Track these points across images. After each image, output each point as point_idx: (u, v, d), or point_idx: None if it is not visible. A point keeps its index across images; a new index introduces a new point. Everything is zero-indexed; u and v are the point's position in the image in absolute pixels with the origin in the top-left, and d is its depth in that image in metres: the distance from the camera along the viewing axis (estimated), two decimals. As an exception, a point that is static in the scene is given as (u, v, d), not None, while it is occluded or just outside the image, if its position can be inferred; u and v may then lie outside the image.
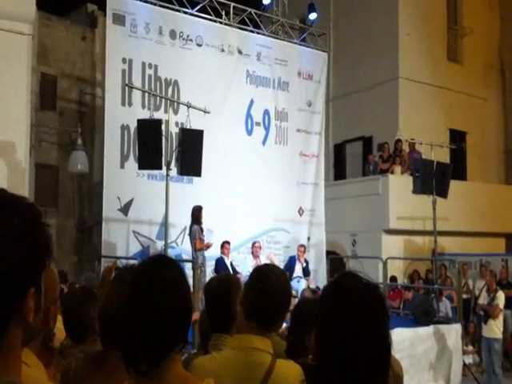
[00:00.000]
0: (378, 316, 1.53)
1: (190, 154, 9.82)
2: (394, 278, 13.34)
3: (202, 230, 10.58)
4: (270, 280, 2.31)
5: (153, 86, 11.72)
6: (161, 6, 12.02)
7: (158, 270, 1.74)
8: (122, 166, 11.29)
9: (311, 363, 2.64)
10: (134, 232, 11.25)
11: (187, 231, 10.84)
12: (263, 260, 11.60)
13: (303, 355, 2.64)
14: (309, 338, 2.80)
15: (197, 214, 10.60)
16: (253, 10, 13.56)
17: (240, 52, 13.19)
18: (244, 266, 11.46)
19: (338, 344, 1.49)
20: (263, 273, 2.40)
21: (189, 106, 10.32)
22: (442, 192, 12.13)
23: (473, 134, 18.55)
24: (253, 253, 11.87)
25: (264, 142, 13.55)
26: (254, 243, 12.05)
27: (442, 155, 14.26)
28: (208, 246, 10.65)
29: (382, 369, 1.53)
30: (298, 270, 12.08)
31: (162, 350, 1.67)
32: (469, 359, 11.73)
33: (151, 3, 11.88)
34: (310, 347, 2.76)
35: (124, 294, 1.76)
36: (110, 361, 2.06)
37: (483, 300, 10.62)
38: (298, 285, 11.57)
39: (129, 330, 1.68)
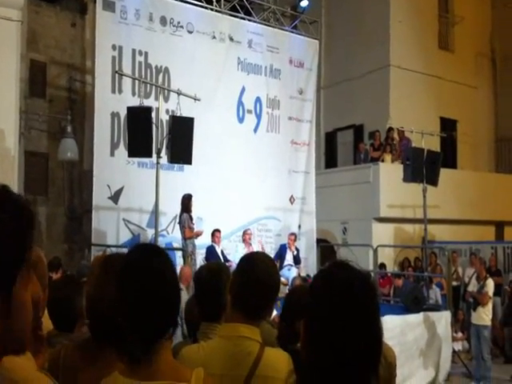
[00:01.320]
0: (369, 305, 1.51)
1: (180, 141, 9.77)
2: (382, 265, 13.41)
3: (191, 219, 10.56)
4: (258, 268, 2.29)
5: (143, 73, 11.63)
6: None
7: (147, 259, 1.74)
8: (112, 154, 11.23)
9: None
10: (124, 220, 11.21)
11: (178, 219, 10.83)
12: (255, 247, 11.59)
13: (294, 342, 2.63)
14: (300, 325, 2.80)
15: (186, 202, 10.58)
16: (243, -3, 13.48)
17: (231, 39, 13.12)
18: (236, 253, 11.44)
19: (326, 333, 1.48)
20: (250, 261, 2.38)
21: (179, 93, 10.25)
22: (433, 180, 12.18)
23: (463, 123, 18.60)
24: (244, 240, 11.86)
25: (255, 130, 13.52)
26: (245, 231, 12.05)
27: (433, 143, 14.30)
28: (198, 235, 10.65)
29: (372, 359, 1.51)
30: (289, 258, 12.11)
31: (152, 338, 1.67)
32: (458, 346, 11.83)
33: (141, -11, 11.78)
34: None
35: (113, 283, 1.75)
36: (104, 354, 2.04)
37: (473, 287, 10.67)
38: (289, 273, 11.60)
39: (118, 320, 1.68)
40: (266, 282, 2.27)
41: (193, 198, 10.69)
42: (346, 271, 1.56)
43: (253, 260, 2.38)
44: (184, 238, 10.43)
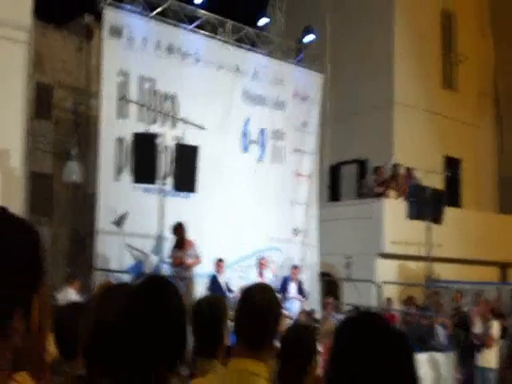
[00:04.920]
0: (389, 362, 1.41)
1: (184, 169, 9.76)
2: (389, 300, 13.21)
3: (178, 247, 10.29)
4: (255, 300, 2.28)
5: (150, 100, 11.61)
6: (158, 20, 11.95)
7: (155, 295, 1.70)
8: (117, 179, 11.13)
9: None
10: (127, 245, 11.04)
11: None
12: (268, 277, 11.36)
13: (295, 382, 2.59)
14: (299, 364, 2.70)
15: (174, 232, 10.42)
16: (250, 29, 13.54)
17: (237, 70, 13.17)
18: (249, 282, 11.05)
19: (344, 379, 1.43)
20: (248, 293, 2.37)
21: (184, 121, 10.23)
22: (437, 218, 12.11)
23: (467, 162, 18.57)
24: (260, 267, 11.65)
25: (260, 160, 13.50)
26: (260, 259, 11.83)
27: (437, 181, 14.23)
28: (177, 263, 10.33)
29: None
30: (293, 290, 11.94)
31: (155, 374, 1.62)
32: (461, 388, 11.55)
33: (148, 17, 11.81)
34: (305, 377, 2.67)
35: (117, 316, 1.72)
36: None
37: (478, 329, 10.47)
38: (292, 306, 11.44)
39: (120, 354, 1.63)
40: (264, 311, 2.26)
41: (185, 226, 10.36)
42: (372, 324, 1.50)
43: (250, 291, 2.38)
44: (172, 265, 10.28)
